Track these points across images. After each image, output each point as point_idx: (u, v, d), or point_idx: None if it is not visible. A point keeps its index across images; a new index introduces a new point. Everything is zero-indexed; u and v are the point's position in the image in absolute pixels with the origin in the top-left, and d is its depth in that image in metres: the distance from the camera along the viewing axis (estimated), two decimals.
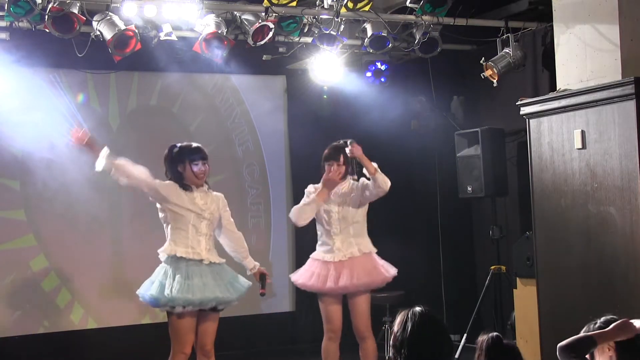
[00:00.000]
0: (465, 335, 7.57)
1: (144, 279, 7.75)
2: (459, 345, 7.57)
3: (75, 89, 7.76)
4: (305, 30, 6.89)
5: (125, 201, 7.88)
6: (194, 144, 5.65)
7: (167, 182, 5.51)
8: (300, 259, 8.55)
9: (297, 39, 7.01)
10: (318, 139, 8.50)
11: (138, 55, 6.72)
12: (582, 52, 6.08)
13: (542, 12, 6.98)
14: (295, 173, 8.62)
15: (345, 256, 5.79)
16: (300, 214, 5.82)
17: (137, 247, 7.86)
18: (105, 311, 7.78)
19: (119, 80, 7.96)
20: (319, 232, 5.98)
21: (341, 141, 5.84)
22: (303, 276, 5.92)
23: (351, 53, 7.61)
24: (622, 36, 5.82)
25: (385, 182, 5.73)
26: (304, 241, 8.58)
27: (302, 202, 5.90)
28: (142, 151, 7.92)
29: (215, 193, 5.65)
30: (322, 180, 5.81)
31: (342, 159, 5.82)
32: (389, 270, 5.91)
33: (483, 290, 7.75)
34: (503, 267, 7.71)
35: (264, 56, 7.58)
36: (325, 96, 8.41)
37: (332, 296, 5.78)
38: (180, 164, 5.50)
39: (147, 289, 5.44)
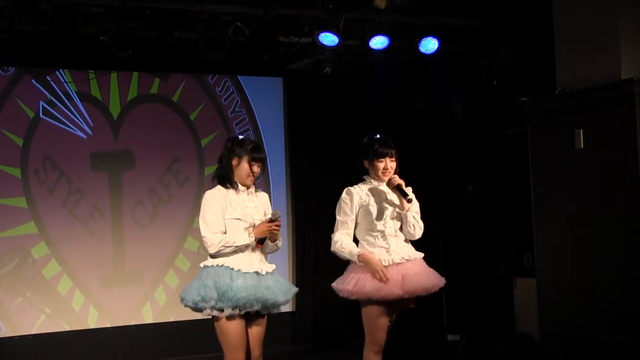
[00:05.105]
0: (465, 335, 7.57)
1: (145, 267, 8.01)
2: (459, 345, 7.57)
3: (76, 79, 7.81)
4: (305, 30, 6.91)
5: (126, 189, 7.95)
6: (255, 141, 5.33)
7: (213, 203, 5.04)
8: (300, 258, 8.58)
9: (297, 39, 7.02)
10: (318, 139, 8.59)
11: (139, 56, 6.74)
12: (582, 52, 6.08)
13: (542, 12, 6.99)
14: (294, 169, 8.70)
15: (402, 259, 5.27)
16: (339, 254, 5.31)
17: (138, 235, 7.96)
18: (106, 298, 7.84)
19: (120, 77, 8.02)
20: (363, 234, 5.34)
21: (378, 135, 5.32)
22: (356, 283, 5.22)
23: (351, 53, 7.62)
24: (622, 36, 5.83)
25: (415, 229, 5.29)
26: (305, 241, 8.63)
27: (340, 226, 5.31)
28: (142, 140, 8.06)
29: (261, 193, 5.30)
30: (376, 271, 5.13)
31: (394, 152, 5.30)
32: (441, 277, 5.42)
33: (482, 291, 7.76)
34: (502, 267, 7.71)
35: (264, 56, 7.60)
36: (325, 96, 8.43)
37: (382, 305, 5.21)
38: (235, 159, 5.11)
39: (188, 293, 5.05)
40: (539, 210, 6.35)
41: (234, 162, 5.10)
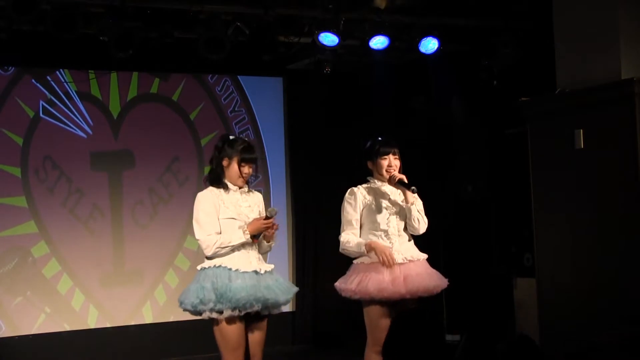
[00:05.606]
0: (465, 335, 7.56)
1: (145, 267, 8.05)
2: (459, 345, 7.56)
3: (76, 79, 7.83)
4: (305, 30, 6.91)
5: (126, 189, 7.98)
6: (246, 141, 5.16)
7: (205, 204, 4.97)
8: (300, 258, 8.58)
9: (297, 39, 7.02)
10: (318, 139, 8.60)
11: (139, 56, 6.74)
12: (582, 52, 6.08)
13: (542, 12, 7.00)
14: (294, 169, 8.71)
15: (405, 259, 5.23)
16: (348, 252, 5.29)
17: (138, 235, 8.00)
18: (106, 298, 7.86)
19: (120, 77, 8.05)
20: (366, 233, 5.30)
21: (380, 138, 5.33)
22: (359, 282, 5.18)
23: (351, 53, 7.62)
24: (622, 36, 5.83)
25: (420, 223, 5.28)
26: (305, 241, 8.63)
27: (346, 227, 5.30)
28: (142, 139, 8.09)
29: (255, 192, 5.22)
30: (382, 253, 5.11)
31: (397, 151, 5.31)
32: (443, 278, 5.39)
33: (482, 291, 7.75)
34: (502, 267, 7.71)
35: (264, 56, 7.60)
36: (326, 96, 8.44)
37: (384, 305, 5.18)
38: (226, 159, 5.03)
39: (187, 297, 4.96)
40: (539, 210, 6.34)
41: (224, 162, 5.02)
